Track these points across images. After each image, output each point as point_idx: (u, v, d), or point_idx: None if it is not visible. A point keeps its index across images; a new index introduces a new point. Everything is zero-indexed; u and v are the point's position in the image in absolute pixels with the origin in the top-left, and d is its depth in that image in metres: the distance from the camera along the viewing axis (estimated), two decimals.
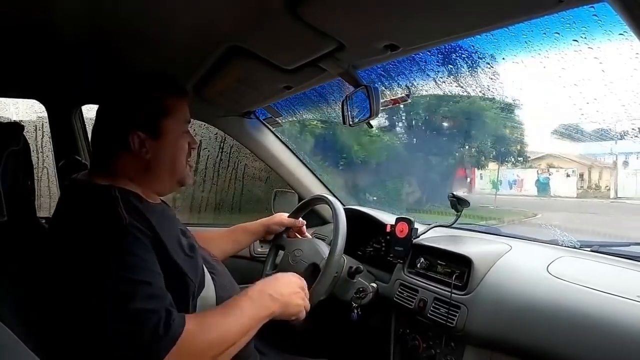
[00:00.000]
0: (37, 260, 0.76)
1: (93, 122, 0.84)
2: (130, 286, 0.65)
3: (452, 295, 0.99)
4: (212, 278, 0.84)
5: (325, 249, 1.08)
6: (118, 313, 0.64)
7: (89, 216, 0.71)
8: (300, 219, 1.21)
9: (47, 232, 0.82)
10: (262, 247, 1.54)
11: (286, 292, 0.82)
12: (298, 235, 1.20)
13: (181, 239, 0.80)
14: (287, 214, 1.22)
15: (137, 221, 0.71)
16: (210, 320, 0.71)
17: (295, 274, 0.90)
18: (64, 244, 0.71)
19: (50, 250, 0.74)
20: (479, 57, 0.94)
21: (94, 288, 0.66)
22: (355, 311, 1.15)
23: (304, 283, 0.88)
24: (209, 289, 0.81)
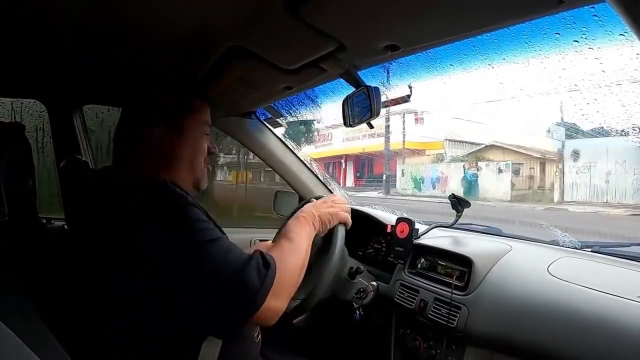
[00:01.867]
0: (53, 259, 0.76)
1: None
2: (226, 242, 0.69)
3: (453, 295, 0.99)
4: None
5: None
6: (225, 271, 0.66)
7: (160, 199, 0.70)
8: None
9: (88, 228, 0.80)
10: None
11: (318, 206, 0.93)
12: None
13: None
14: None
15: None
16: (286, 254, 0.76)
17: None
18: (132, 236, 0.70)
19: (107, 243, 0.74)
20: None
21: (193, 260, 0.67)
22: (358, 311, 1.15)
23: (334, 197, 1.00)
24: None
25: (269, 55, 0.91)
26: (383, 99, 0.95)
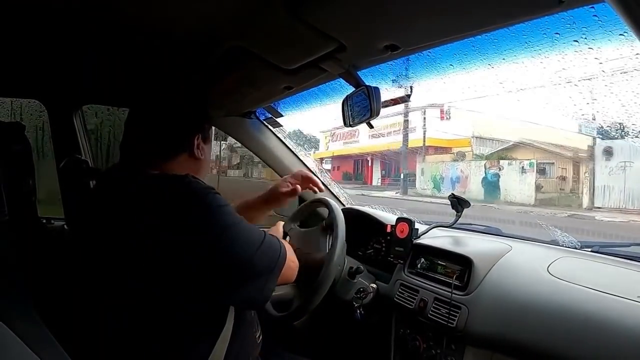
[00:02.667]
0: (53, 259, 0.76)
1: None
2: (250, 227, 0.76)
3: (453, 295, 0.99)
4: None
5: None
6: (261, 250, 0.74)
7: (189, 193, 0.72)
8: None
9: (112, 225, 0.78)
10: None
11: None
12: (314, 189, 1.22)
13: None
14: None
15: None
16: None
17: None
18: (164, 230, 0.70)
19: (133, 240, 0.73)
20: None
21: (224, 235, 0.71)
22: (359, 311, 1.15)
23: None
24: None
25: (269, 55, 0.92)
26: (383, 98, 0.94)
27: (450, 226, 1.24)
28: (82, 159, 1.34)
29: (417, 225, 1.22)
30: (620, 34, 0.67)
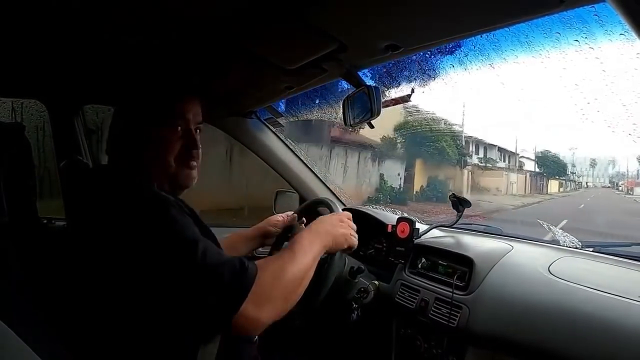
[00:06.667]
0: (54, 259, 0.77)
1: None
2: (201, 243, 0.67)
3: (454, 295, 0.98)
4: None
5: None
6: (199, 269, 0.65)
7: (137, 201, 0.71)
8: (290, 213, 1.21)
9: (74, 228, 0.81)
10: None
11: (336, 226, 0.89)
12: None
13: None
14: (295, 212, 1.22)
15: (184, 206, 0.74)
16: (280, 264, 0.74)
17: (341, 212, 0.96)
18: (111, 232, 0.70)
19: (88, 245, 0.74)
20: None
21: (168, 259, 0.66)
22: (355, 312, 1.14)
23: (348, 214, 0.95)
24: None
25: (270, 55, 0.91)
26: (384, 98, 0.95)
27: (451, 226, 1.24)
28: (83, 162, 1.34)
29: (417, 225, 1.22)
30: (621, 34, 0.67)
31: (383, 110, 0.91)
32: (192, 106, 0.85)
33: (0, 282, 0.69)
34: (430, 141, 9.95)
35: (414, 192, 9.98)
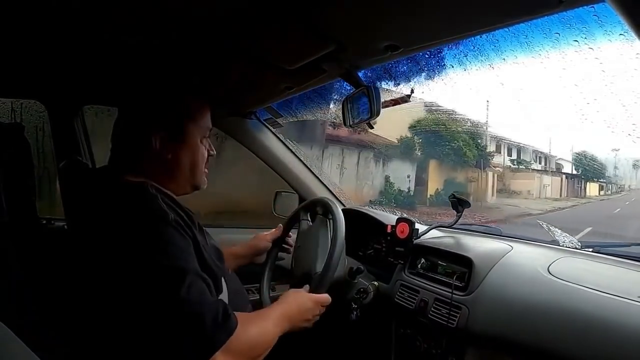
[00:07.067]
0: (51, 261, 0.76)
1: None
2: (189, 276, 0.66)
3: (453, 295, 0.99)
4: (225, 282, 0.84)
5: (318, 260, 1.07)
6: (180, 303, 0.64)
7: (134, 212, 0.70)
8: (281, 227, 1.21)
9: (72, 229, 0.82)
10: None
11: (304, 314, 0.90)
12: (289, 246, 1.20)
13: (208, 242, 0.82)
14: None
15: (180, 218, 0.72)
16: (254, 322, 0.75)
17: (306, 294, 0.94)
18: (105, 242, 0.70)
19: (82, 248, 0.74)
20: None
21: (152, 282, 0.65)
22: (355, 312, 1.14)
23: (326, 300, 0.95)
24: (224, 294, 0.82)
25: (269, 55, 0.91)
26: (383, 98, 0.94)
27: (450, 226, 1.24)
28: (82, 162, 1.34)
29: (417, 226, 1.22)
30: (621, 34, 0.67)
31: (389, 109, 0.91)
32: (208, 110, 0.87)
33: (0, 281, 0.69)
34: (447, 141, 9.43)
35: (428, 196, 9.43)
